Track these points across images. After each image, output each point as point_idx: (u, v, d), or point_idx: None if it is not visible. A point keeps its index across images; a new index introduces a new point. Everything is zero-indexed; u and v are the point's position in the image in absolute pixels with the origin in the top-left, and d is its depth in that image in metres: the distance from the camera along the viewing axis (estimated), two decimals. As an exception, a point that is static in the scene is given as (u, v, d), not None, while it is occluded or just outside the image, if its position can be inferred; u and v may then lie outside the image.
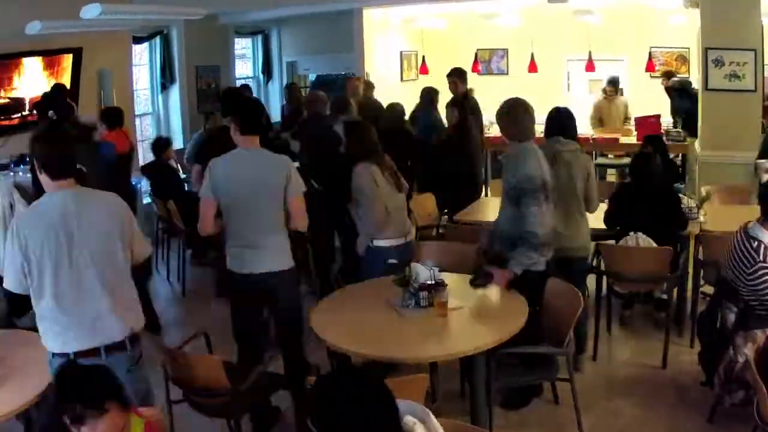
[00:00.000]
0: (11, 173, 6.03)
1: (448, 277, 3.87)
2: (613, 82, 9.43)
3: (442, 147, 6.80)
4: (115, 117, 5.77)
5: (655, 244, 4.83)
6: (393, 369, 3.78)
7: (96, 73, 7.46)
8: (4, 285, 2.98)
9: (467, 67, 10.47)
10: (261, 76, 11.33)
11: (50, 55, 6.69)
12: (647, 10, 9.87)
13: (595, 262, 5.11)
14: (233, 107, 4.05)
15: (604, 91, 9.48)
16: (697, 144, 7.95)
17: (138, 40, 8.60)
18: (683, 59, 10.26)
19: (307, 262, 5.93)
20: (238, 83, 10.23)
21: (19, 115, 6.42)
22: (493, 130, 9.70)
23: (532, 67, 10.05)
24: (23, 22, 6.07)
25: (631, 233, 4.91)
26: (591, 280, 5.02)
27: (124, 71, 8.08)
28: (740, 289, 3.80)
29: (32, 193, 5.15)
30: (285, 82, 11.25)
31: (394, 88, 10.21)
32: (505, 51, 11.48)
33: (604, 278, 5.05)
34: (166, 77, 9.18)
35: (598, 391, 4.40)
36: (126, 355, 2.99)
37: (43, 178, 2.97)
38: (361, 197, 4.47)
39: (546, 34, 10.41)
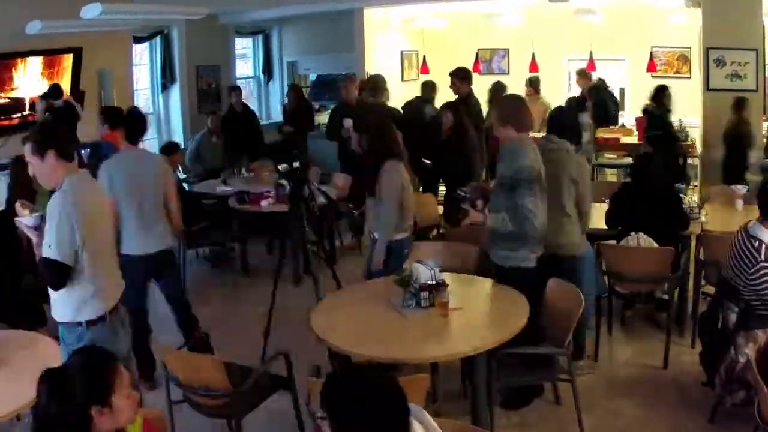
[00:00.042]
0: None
1: (449, 278, 3.87)
2: (533, 82, 9.58)
3: (441, 148, 6.81)
4: (117, 116, 5.77)
5: (656, 245, 4.83)
6: (393, 369, 3.77)
7: (96, 73, 7.46)
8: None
9: (468, 66, 10.49)
10: (261, 76, 11.33)
11: (50, 55, 6.68)
12: (648, 10, 9.87)
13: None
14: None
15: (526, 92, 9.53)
16: (698, 144, 7.95)
17: (138, 40, 8.60)
18: (684, 59, 10.25)
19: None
20: (239, 83, 10.24)
21: (19, 115, 6.41)
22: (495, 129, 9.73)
23: (533, 67, 10.04)
24: (23, 22, 6.07)
25: (632, 233, 4.90)
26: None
27: (125, 71, 8.08)
28: (741, 289, 3.80)
29: None
30: (285, 81, 11.26)
31: (394, 88, 10.19)
32: (506, 51, 11.48)
33: (606, 278, 5.04)
34: (166, 77, 9.18)
35: (599, 392, 4.39)
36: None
37: None
38: (391, 194, 4.51)
39: (547, 33, 10.40)
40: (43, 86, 6.54)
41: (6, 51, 6.18)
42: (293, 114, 9.13)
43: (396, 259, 4.47)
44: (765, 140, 7.05)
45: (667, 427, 3.98)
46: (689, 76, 9.96)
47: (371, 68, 9.83)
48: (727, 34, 7.18)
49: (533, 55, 10.02)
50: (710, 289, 4.83)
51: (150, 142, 9.19)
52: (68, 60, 6.87)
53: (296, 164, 5.06)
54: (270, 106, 11.52)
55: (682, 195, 5.31)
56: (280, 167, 5.32)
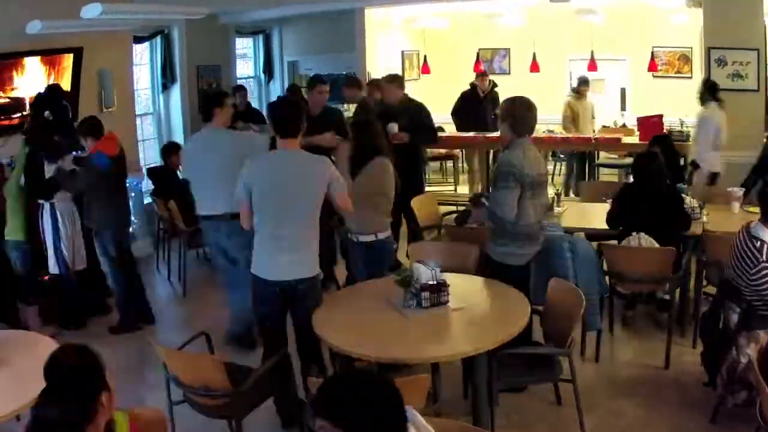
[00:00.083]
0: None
1: (450, 278, 3.86)
2: (586, 83, 9.54)
3: None
4: (96, 127, 5.74)
5: (657, 245, 4.82)
6: (395, 370, 3.76)
7: (96, 73, 7.44)
8: None
9: (469, 66, 10.51)
10: (262, 76, 11.32)
11: (50, 55, 6.66)
12: (650, 10, 9.85)
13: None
14: (269, 111, 4.09)
15: (577, 90, 9.49)
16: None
17: (139, 40, 8.58)
18: (686, 59, 10.24)
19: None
20: (239, 83, 10.22)
21: (19, 115, 6.39)
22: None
23: (534, 67, 10.02)
24: (23, 22, 6.06)
25: (634, 233, 4.89)
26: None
27: (125, 71, 8.06)
28: (743, 289, 3.79)
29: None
30: (286, 81, 11.24)
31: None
32: (507, 51, 11.47)
33: (607, 278, 5.03)
34: (167, 77, 9.16)
35: (601, 392, 4.39)
36: None
37: None
38: (384, 190, 4.56)
39: (548, 33, 10.39)
40: (43, 86, 6.52)
41: (6, 51, 6.17)
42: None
43: (377, 259, 4.51)
44: (765, 140, 7.03)
45: (669, 427, 3.98)
46: (690, 76, 9.94)
47: (372, 68, 9.82)
48: (729, 34, 7.16)
49: (534, 55, 10.01)
50: (712, 290, 4.83)
51: (150, 142, 9.20)
52: (68, 60, 6.85)
53: None
54: (271, 106, 11.48)
55: (683, 195, 5.29)
56: None
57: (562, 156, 10.35)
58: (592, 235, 5.54)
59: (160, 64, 9.08)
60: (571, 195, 9.27)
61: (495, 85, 9.58)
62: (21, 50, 6.32)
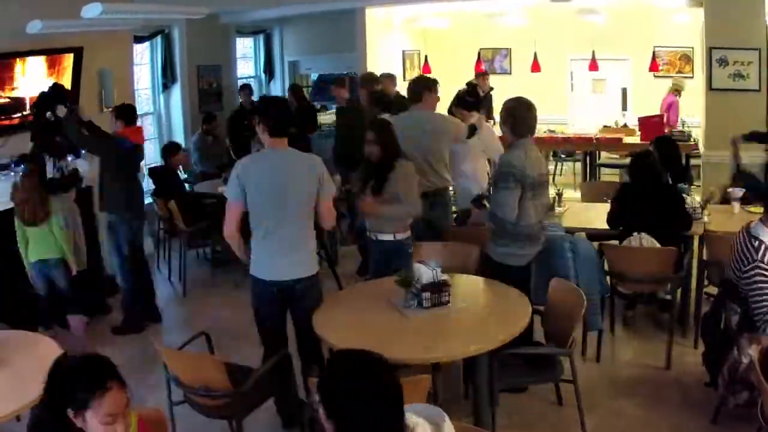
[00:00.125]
0: (11, 173, 6.00)
1: (451, 278, 3.84)
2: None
3: None
4: (130, 112, 5.85)
5: (658, 245, 4.81)
6: (395, 370, 3.75)
7: (97, 73, 7.43)
8: None
9: (470, 66, 10.50)
10: (263, 76, 11.32)
11: (51, 55, 6.66)
12: (651, 10, 9.84)
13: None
14: (262, 109, 4.04)
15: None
16: (701, 144, 7.94)
17: (139, 40, 8.58)
18: (687, 59, 10.23)
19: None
20: (240, 83, 10.22)
21: (20, 114, 6.38)
22: (497, 129, 9.70)
23: (535, 67, 10.02)
24: (24, 22, 6.04)
25: (635, 233, 4.88)
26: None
27: (125, 71, 8.05)
28: (741, 289, 3.78)
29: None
30: (287, 81, 11.24)
31: (397, 88, 10.17)
32: (508, 50, 11.47)
33: (608, 278, 5.03)
34: (167, 77, 9.16)
35: (602, 392, 4.38)
36: None
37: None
38: (409, 191, 4.49)
39: (549, 33, 10.38)
40: (43, 86, 6.51)
41: (6, 51, 6.15)
42: (295, 115, 9.10)
43: (399, 259, 4.45)
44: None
45: (670, 427, 3.97)
46: (692, 76, 9.94)
47: (373, 68, 9.80)
48: (730, 34, 7.15)
49: (535, 54, 10.00)
50: (713, 290, 4.82)
51: (151, 142, 9.19)
52: (69, 60, 6.84)
53: None
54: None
55: (684, 195, 5.28)
56: None
57: (563, 156, 10.34)
58: (593, 235, 5.53)
59: (161, 63, 9.08)
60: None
61: (491, 88, 9.56)
62: (21, 50, 6.30)
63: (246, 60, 11.11)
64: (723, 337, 3.92)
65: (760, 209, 5.47)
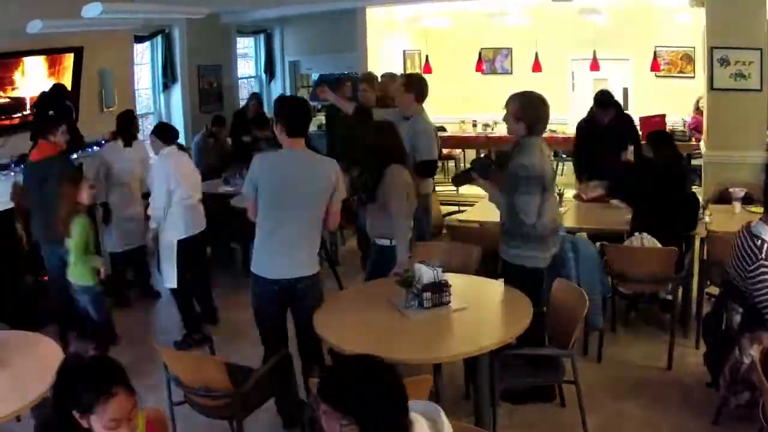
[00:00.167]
0: (12, 173, 6.01)
1: (452, 278, 3.84)
2: None
3: None
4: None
5: (659, 245, 4.80)
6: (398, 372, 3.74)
7: (97, 73, 7.43)
8: None
9: (471, 66, 10.50)
10: (263, 76, 11.32)
11: (51, 55, 6.66)
12: (652, 9, 9.84)
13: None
14: (280, 109, 4.03)
15: None
16: (702, 144, 7.93)
17: (139, 39, 8.58)
18: (688, 58, 10.22)
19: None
20: (240, 83, 10.22)
21: (20, 114, 6.38)
22: (498, 130, 9.72)
23: (536, 67, 10.01)
24: (24, 21, 6.04)
25: (636, 233, 4.88)
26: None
27: (126, 70, 8.06)
28: (743, 290, 3.77)
29: None
30: (287, 81, 11.25)
31: (397, 88, 10.17)
32: (509, 50, 11.45)
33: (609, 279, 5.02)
34: (167, 76, 9.16)
35: (603, 393, 4.37)
36: None
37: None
38: (403, 199, 4.39)
39: (550, 33, 10.38)
40: (43, 86, 6.51)
41: (6, 50, 6.16)
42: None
43: (387, 265, 4.41)
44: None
45: (671, 428, 3.96)
46: (693, 76, 9.93)
47: (374, 68, 9.80)
48: (731, 34, 7.14)
49: (536, 54, 9.99)
50: (714, 290, 4.81)
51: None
52: (69, 59, 6.84)
53: None
54: (272, 105, 11.50)
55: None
56: None
57: (564, 156, 10.33)
58: (594, 234, 5.52)
59: (161, 63, 9.08)
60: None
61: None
62: (21, 50, 6.31)
63: (246, 60, 11.11)
64: (724, 337, 3.91)
65: (760, 209, 5.52)
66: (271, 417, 4.04)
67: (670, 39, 10.15)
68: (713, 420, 3.89)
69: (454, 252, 4.69)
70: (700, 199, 5.59)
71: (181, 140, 8.70)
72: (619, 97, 10.38)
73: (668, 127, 8.67)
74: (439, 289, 3.69)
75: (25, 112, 6.39)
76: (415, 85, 5.48)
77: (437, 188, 9.72)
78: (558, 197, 5.75)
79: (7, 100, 6.32)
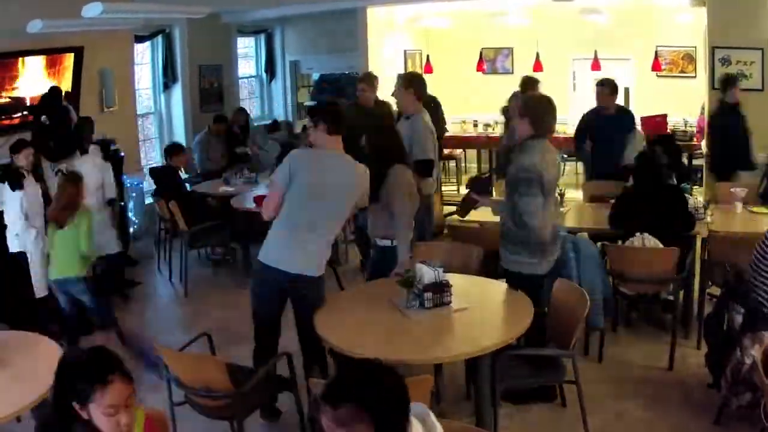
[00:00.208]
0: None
1: (453, 278, 3.83)
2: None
3: None
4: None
5: (661, 245, 4.79)
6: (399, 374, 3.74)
7: (97, 73, 7.44)
8: None
9: (472, 65, 10.48)
10: (264, 75, 11.32)
11: (51, 54, 6.66)
12: (654, 9, 9.81)
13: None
14: (319, 111, 4.05)
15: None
16: (703, 144, 7.92)
17: (140, 39, 8.58)
18: (690, 58, 10.20)
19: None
20: (241, 82, 10.23)
21: (20, 114, 6.39)
22: (497, 129, 9.71)
23: (537, 67, 9.98)
24: (24, 21, 6.05)
25: (638, 234, 4.86)
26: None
27: (126, 70, 8.06)
28: (760, 293, 3.77)
29: None
30: (288, 81, 11.25)
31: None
32: (510, 50, 11.42)
33: (610, 279, 5.01)
34: (168, 76, 9.16)
35: (605, 393, 4.36)
36: None
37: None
38: (406, 199, 4.40)
39: (551, 33, 10.35)
40: (44, 86, 6.51)
41: (6, 50, 6.16)
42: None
43: (388, 266, 4.40)
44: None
45: (672, 428, 3.95)
46: (694, 76, 9.91)
47: (375, 68, 9.79)
48: (733, 34, 7.14)
49: (537, 54, 9.98)
50: (716, 290, 4.80)
51: (151, 142, 9.19)
52: (69, 59, 6.85)
53: None
54: (273, 105, 11.51)
55: (687, 195, 5.26)
56: None
57: (565, 156, 10.32)
58: (595, 235, 5.52)
59: (162, 63, 9.09)
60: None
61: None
62: (22, 50, 6.31)
63: (247, 59, 11.11)
64: (726, 337, 3.90)
65: (763, 209, 5.52)
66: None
67: (672, 39, 10.13)
68: (714, 421, 3.89)
69: (455, 252, 4.68)
70: (701, 199, 5.58)
71: (182, 140, 8.74)
72: (620, 97, 10.42)
73: (670, 127, 8.66)
74: (440, 289, 3.69)
75: (25, 112, 6.39)
76: (416, 84, 5.48)
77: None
78: (560, 197, 5.77)
79: (7, 100, 6.32)
